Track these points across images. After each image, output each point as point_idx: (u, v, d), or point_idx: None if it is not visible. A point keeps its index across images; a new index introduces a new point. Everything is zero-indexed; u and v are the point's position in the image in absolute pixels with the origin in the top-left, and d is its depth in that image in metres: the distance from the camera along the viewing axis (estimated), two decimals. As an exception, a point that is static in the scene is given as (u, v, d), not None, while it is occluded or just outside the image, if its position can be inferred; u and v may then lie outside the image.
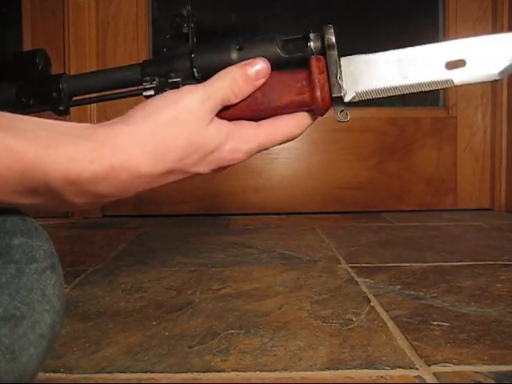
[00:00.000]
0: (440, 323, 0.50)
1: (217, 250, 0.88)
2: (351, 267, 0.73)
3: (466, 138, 1.39)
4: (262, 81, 0.38)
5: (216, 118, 0.37)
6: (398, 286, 0.63)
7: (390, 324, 0.50)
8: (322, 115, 0.40)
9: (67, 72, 1.39)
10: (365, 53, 0.40)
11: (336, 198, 1.39)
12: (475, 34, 1.28)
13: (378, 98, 0.41)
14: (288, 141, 0.40)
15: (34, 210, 0.33)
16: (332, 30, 0.40)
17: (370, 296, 0.59)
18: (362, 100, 0.41)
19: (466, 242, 0.93)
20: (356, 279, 0.67)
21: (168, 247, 0.91)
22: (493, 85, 1.36)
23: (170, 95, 0.36)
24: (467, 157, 1.39)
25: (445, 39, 1.38)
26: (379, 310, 0.54)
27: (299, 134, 0.40)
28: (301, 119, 0.40)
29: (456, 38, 0.40)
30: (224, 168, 0.38)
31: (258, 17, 1.49)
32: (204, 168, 0.36)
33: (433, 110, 1.41)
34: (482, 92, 1.38)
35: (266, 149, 0.39)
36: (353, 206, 1.38)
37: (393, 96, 0.41)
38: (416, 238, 0.98)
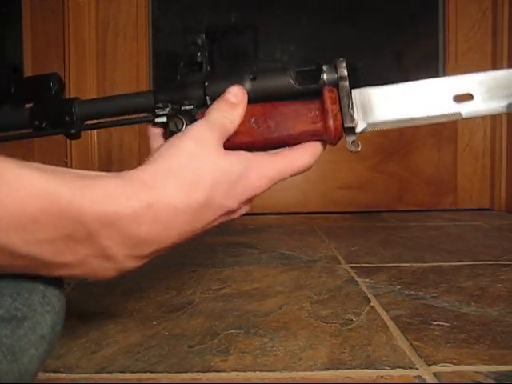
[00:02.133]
0: (440, 323, 0.50)
1: (217, 250, 0.88)
2: (351, 267, 0.73)
3: (466, 138, 1.39)
4: (242, 100, 0.39)
5: (229, 150, 0.37)
6: (398, 286, 0.63)
7: (390, 324, 0.50)
8: (333, 145, 0.41)
9: (67, 72, 1.39)
10: (376, 85, 0.41)
11: (336, 198, 1.39)
12: (475, 35, 1.29)
13: (391, 128, 0.42)
14: (304, 170, 0.41)
15: (72, 274, 0.30)
16: (344, 64, 0.41)
17: (370, 296, 0.59)
18: (374, 131, 0.42)
19: (466, 242, 0.93)
20: (356, 279, 0.67)
21: (168, 247, 0.91)
22: (493, 85, 1.36)
23: (177, 135, 0.36)
24: (467, 157, 1.39)
25: (445, 40, 1.38)
26: (379, 309, 0.54)
27: (314, 163, 0.41)
28: (314, 147, 0.41)
29: (456, 40, 0.41)
30: (250, 200, 0.38)
31: (258, 18, 1.49)
32: (233, 201, 0.36)
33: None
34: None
35: (286, 178, 0.40)
36: (353, 205, 1.38)
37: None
38: (416, 237, 0.98)
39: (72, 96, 0.45)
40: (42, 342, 0.30)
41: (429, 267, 0.73)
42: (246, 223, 1.21)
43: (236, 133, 0.39)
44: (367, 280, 0.66)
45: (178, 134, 0.36)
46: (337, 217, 1.30)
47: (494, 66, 1.36)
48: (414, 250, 0.85)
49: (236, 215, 0.38)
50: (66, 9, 1.34)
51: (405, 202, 1.39)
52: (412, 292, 0.61)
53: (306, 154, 0.40)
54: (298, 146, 0.40)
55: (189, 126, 0.37)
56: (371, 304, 0.56)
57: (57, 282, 0.32)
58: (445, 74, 1.39)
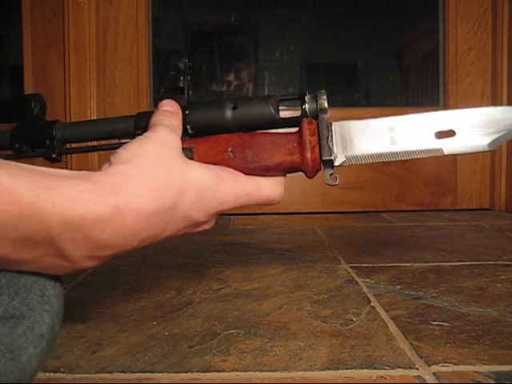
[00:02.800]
0: (440, 323, 0.50)
1: (217, 250, 0.88)
2: (351, 267, 0.73)
3: (466, 138, 1.39)
4: (178, 109, 0.40)
5: (199, 162, 0.38)
6: (398, 286, 0.63)
7: (390, 324, 0.50)
8: (310, 178, 0.41)
9: (67, 72, 1.39)
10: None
11: (336, 198, 1.39)
12: (475, 35, 1.29)
13: (372, 163, 0.41)
14: (272, 200, 0.41)
15: (26, 269, 0.30)
16: (325, 96, 0.41)
17: (369, 296, 0.59)
18: (353, 164, 0.41)
19: (466, 242, 0.93)
20: (356, 279, 0.67)
21: (168, 247, 0.91)
22: (493, 84, 1.36)
23: (141, 139, 0.35)
24: (467, 157, 1.39)
25: (445, 40, 1.38)
26: (379, 309, 0.54)
27: (282, 195, 0.41)
28: (282, 179, 0.41)
29: (456, 40, 0.41)
30: (217, 215, 0.38)
31: (258, 18, 1.49)
32: (200, 212, 0.36)
33: (433, 109, 1.41)
34: (482, 91, 1.38)
35: (252, 202, 0.40)
36: (353, 205, 1.38)
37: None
38: (416, 237, 0.98)
39: (55, 117, 0.45)
40: (40, 341, 0.30)
41: (429, 267, 0.73)
42: (245, 223, 1.21)
43: (212, 162, 0.39)
44: (367, 280, 0.66)
45: (142, 138, 0.35)
46: (337, 217, 1.30)
47: (494, 66, 1.36)
48: (414, 250, 0.85)
49: (201, 228, 0.38)
50: (66, 9, 1.34)
51: (405, 202, 1.39)
52: (412, 292, 0.61)
53: (276, 185, 0.40)
54: (271, 177, 0.40)
55: (149, 132, 0.36)
56: (371, 304, 0.56)
57: (55, 281, 0.32)
58: (445, 73, 1.39)
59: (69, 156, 1.33)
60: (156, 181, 0.32)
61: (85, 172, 0.31)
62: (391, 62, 1.47)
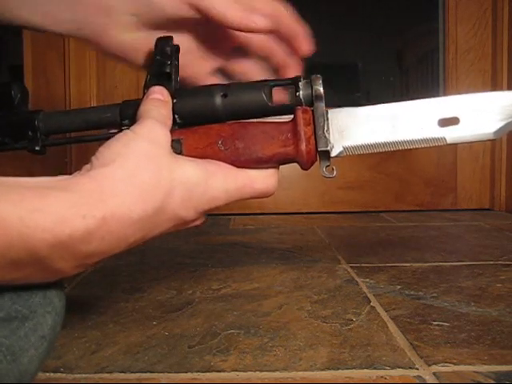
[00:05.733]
0: (440, 323, 0.50)
1: (217, 250, 0.88)
2: (351, 267, 0.73)
3: (466, 138, 1.39)
4: (168, 98, 0.38)
5: (186, 157, 0.36)
6: (398, 286, 0.63)
7: (390, 324, 0.50)
8: (305, 170, 0.39)
9: (67, 72, 1.38)
10: (354, 105, 0.39)
11: (336, 198, 1.39)
12: (475, 34, 1.29)
13: (369, 153, 0.39)
14: (266, 193, 0.38)
15: (12, 284, 0.29)
16: (320, 81, 0.38)
17: (369, 296, 0.59)
18: (350, 155, 0.39)
19: (466, 242, 0.93)
20: (356, 279, 0.67)
21: (168, 247, 0.91)
22: (493, 83, 1.36)
23: (127, 134, 0.33)
24: (467, 157, 1.39)
25: (445, 40, 1.38)
26: (379, 309, 0.54)
27: (276, 187, 0.39)
28: (276, 171, 0.39)
29: (456, 40, 0.40)
30: (208, 211, 0.36)
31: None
32: (189, 210, 0.34)
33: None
34: (482, 90, 1.37)
35: (245, 197, 0.37)
36: (353, 205, 1.38)
37: (383, 149, 0.38)
38: (416, 238, 0.98)
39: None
40: (42, 342, 0.30)
41: (429, 267, 0.73)
42: (246, 223, 1.21)
43: (202, 155, 0.37)
44: (367, 280, 0.66)
45: (128, 133, 0.33)
46: (337, 217, 1.30)
47: (494, 66, 1.36)
48: (414, 250, 0.85)
49: (192, 225, 0.37)
50: (66, 9, 1.34)
51: (405, 202, 1.39)
52: (412, 292, 0.61)
53: (269, 177, 0.38)
54: (264, 169, 0.38)
55: (137, 126, 0.34)
56: (371, 304, 0.56)
57: (57, 281, 0.32)
58: (445, 74, 1.39)
59: (69, 154, 1.33)
60: (143, 183, 0.31)
61: (66, 178, 0.30)
62: (391, 62, 1.47)
